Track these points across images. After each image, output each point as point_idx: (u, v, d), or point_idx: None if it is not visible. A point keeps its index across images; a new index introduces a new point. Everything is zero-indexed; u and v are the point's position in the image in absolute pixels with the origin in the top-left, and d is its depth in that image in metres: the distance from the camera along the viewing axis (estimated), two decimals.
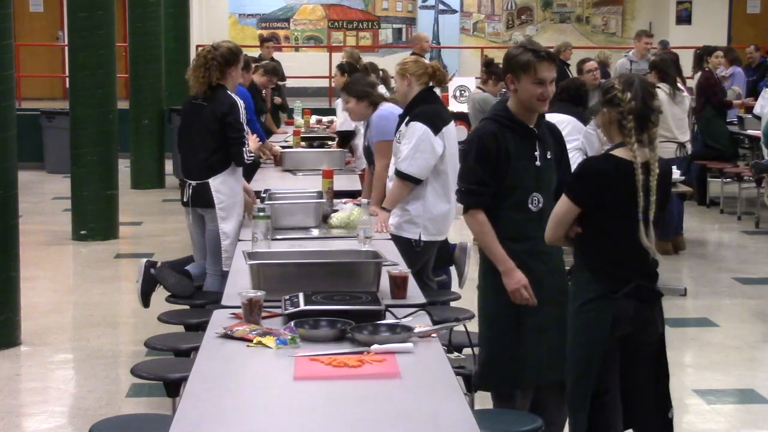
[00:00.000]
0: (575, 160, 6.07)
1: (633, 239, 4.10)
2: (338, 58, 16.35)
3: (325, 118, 12.66)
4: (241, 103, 6.34)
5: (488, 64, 10.03)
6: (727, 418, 5.96)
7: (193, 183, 6.35)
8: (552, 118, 6.16)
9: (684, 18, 21.61)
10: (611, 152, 4.17)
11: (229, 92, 6.35)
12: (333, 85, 10.03)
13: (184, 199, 6.43)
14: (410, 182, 6.09)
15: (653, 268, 4.22)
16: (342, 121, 9.42)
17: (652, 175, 4.07)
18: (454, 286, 7.00)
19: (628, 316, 4.14)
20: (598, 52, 15.54)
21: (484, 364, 4.70)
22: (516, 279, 4.59)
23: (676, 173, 9.25)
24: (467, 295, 7.50)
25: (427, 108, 6.16)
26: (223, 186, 6.29)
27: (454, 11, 22.13)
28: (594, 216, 4.16)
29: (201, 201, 6.31)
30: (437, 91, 6.61)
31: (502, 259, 4.60)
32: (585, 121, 8.43)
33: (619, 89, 4.11)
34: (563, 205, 4.21)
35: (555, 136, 4.84)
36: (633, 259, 4.15)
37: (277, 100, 12.51)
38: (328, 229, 5.93)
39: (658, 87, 9.50)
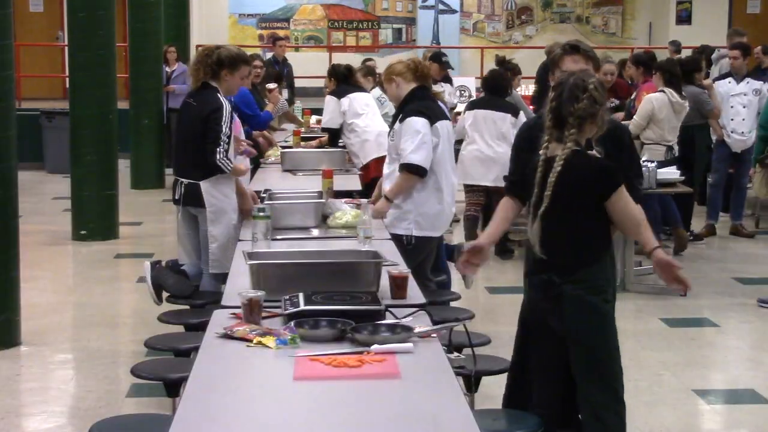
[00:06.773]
0: None
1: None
2: (338, 58, 16.37)
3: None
4: (227, 106, 6.16)
5: (501, 62, 10.84)
6: (727, 418, 5.96)
7: (185, 182, 6.31)
8: None
9: (684, 18, 21.60)
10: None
11: (218, 95, 6.18)
12: (326, 89, 10.04)
13: (176, 197, 6.38)
14: (416, 175, 6.06)
15: (566, 262, 4.28)
16: (328, 118, 9.45)
17: (552, 171, 4.20)
18: (457, 287, 7.00)
19: (528, 304, 4.47)
20: (600, 53, 15.45)
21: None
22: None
23: (675, 173, 9.24)
24: (467, 294, 7.51)
25: (420, 103, 6.16)
26: (214, 189, 6.19)
27: (454, 11, 22.12)
28: None
29: (192, 201, 6.25)
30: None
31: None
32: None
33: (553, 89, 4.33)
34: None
35: None
36: (542, 252, 4.29)
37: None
38: (328, 229, 5.93)
39: (662, 91, 9.44)
